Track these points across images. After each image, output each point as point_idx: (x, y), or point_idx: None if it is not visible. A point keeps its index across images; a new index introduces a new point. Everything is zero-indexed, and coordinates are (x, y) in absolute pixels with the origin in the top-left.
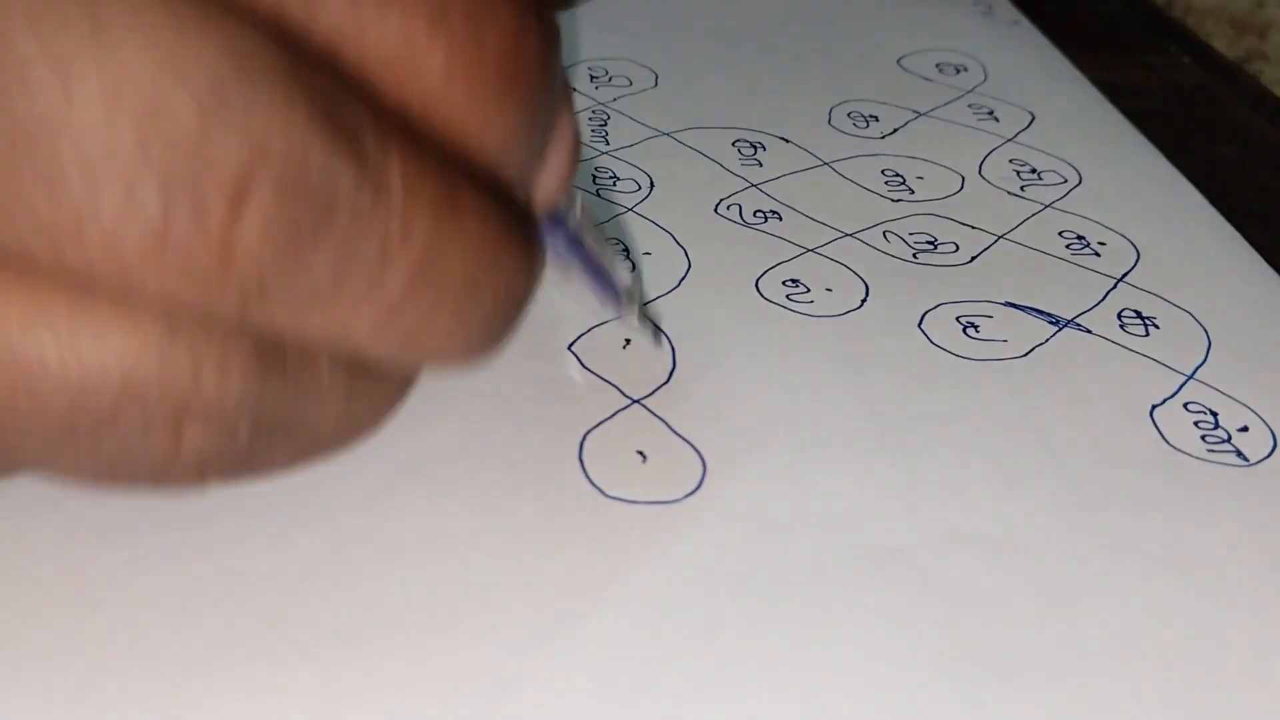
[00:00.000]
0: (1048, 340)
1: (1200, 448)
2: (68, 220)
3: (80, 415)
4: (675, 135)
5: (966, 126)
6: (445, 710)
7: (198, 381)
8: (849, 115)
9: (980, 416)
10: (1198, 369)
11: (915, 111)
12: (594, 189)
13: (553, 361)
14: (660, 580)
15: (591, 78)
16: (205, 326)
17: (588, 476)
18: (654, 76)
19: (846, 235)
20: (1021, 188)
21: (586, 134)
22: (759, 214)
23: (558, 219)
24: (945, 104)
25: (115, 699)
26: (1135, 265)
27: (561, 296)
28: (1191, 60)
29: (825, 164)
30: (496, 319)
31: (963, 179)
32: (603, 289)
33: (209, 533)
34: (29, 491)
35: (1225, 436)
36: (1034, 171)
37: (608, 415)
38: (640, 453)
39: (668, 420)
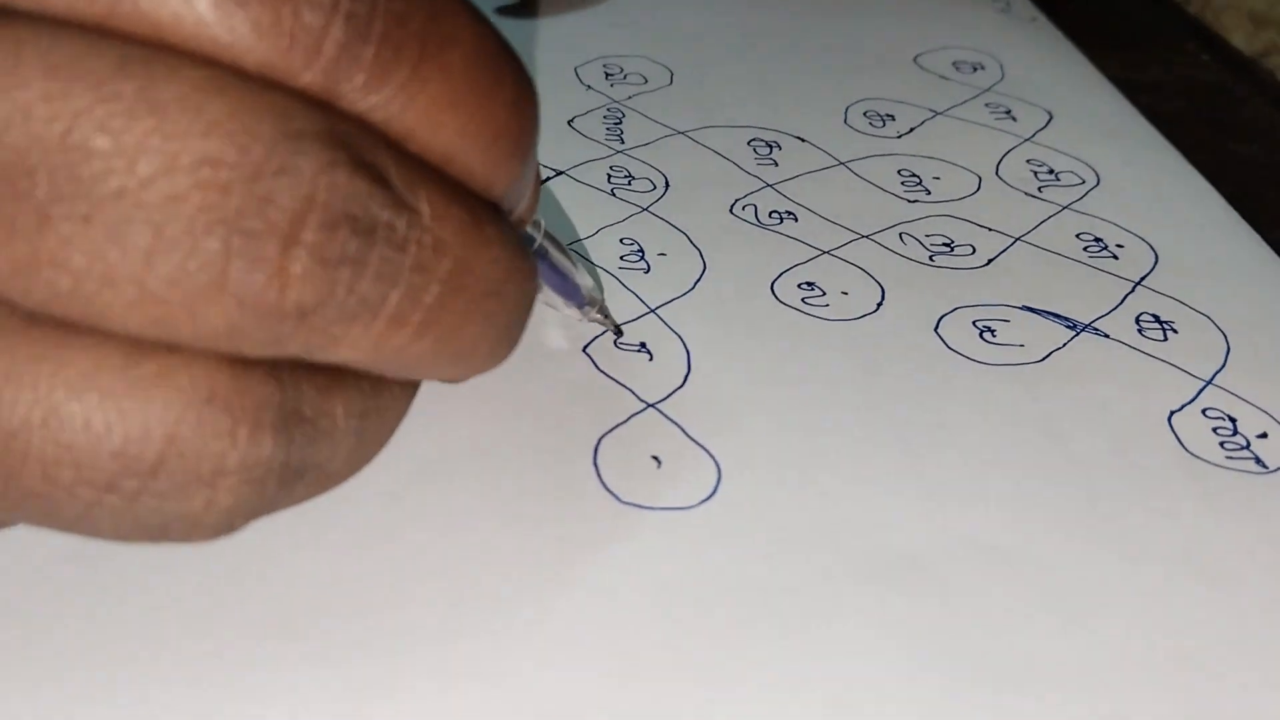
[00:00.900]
0: (1065, 345)
1: (1219, 454)
2: (135, 271)
3: (123, 474)
4: (690, 134)
5: (984, 126)
6: (460, 712)
7: (234, 440)
8: (865, 114)
9: (997, 422)
10: (1216, 374)
11: (932, 110)
12: (609, 188)
13: (567, 365)
14: (675, 587)
15: (606, 75)
16: (241, 389)
17: (602, 482)
18: (669, 74)
19: (862, 237)
20: (1039, 189)
21: (601, 132)
22: (774, 214)
23: (526, 235)
24: (962, 103)
25: (131, 701)
26: (1154, 268)
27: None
28: (1210, 58)
29: (841, 163)
30: (515, 322)
31: (980, 179)
32: (567, 292)
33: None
34: None
35: (1244, 443)
36: (1051, 172)
37: (623, 419)
38: (655, 458)
39: (683, 425)
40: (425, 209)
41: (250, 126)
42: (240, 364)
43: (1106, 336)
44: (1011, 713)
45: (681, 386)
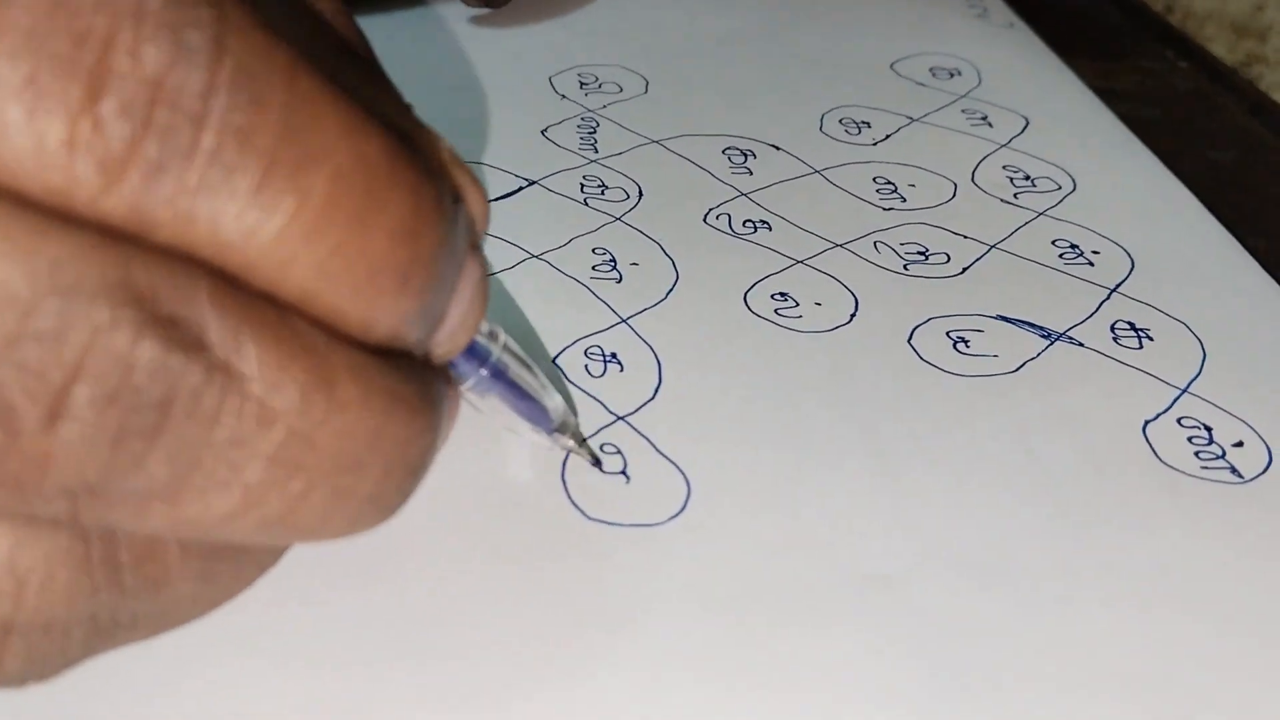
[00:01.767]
0: (1039, 354)
1: (1194, 464)
2: None
3: None
4: (665, 143)
5: (960, 132)
6: None
7: (19, 600)
8: (840, 122)
9: (970, 434)
10: (1192, 382)
11: (908, 117)
12: (582, 198)
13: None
14: (642, 605)
15: (581, 84)
16: (31, 537)
17: (570, 497)
18: (645, 83)
19: (836, 246)
20: (1015, 195)
21: (575, 142)
22: (748, 224)
23: (478, 354)
24: (938, 109)
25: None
26: (1130, 274)
27: (542, 315)
28: (1188, 64)
29: (816, 171)
30: (387, 489)
31: (955, 186)
32: (534, 416)
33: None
34: None
35: (1219, 453)
36: (1027, 178)
37: (592, 432)
38: (624, 473)
39: (652, 439)
40: (252, 371)
41: (7, 279)
42: (39, 522)
43: (1081, 345)
44: None
45: (652, 399)
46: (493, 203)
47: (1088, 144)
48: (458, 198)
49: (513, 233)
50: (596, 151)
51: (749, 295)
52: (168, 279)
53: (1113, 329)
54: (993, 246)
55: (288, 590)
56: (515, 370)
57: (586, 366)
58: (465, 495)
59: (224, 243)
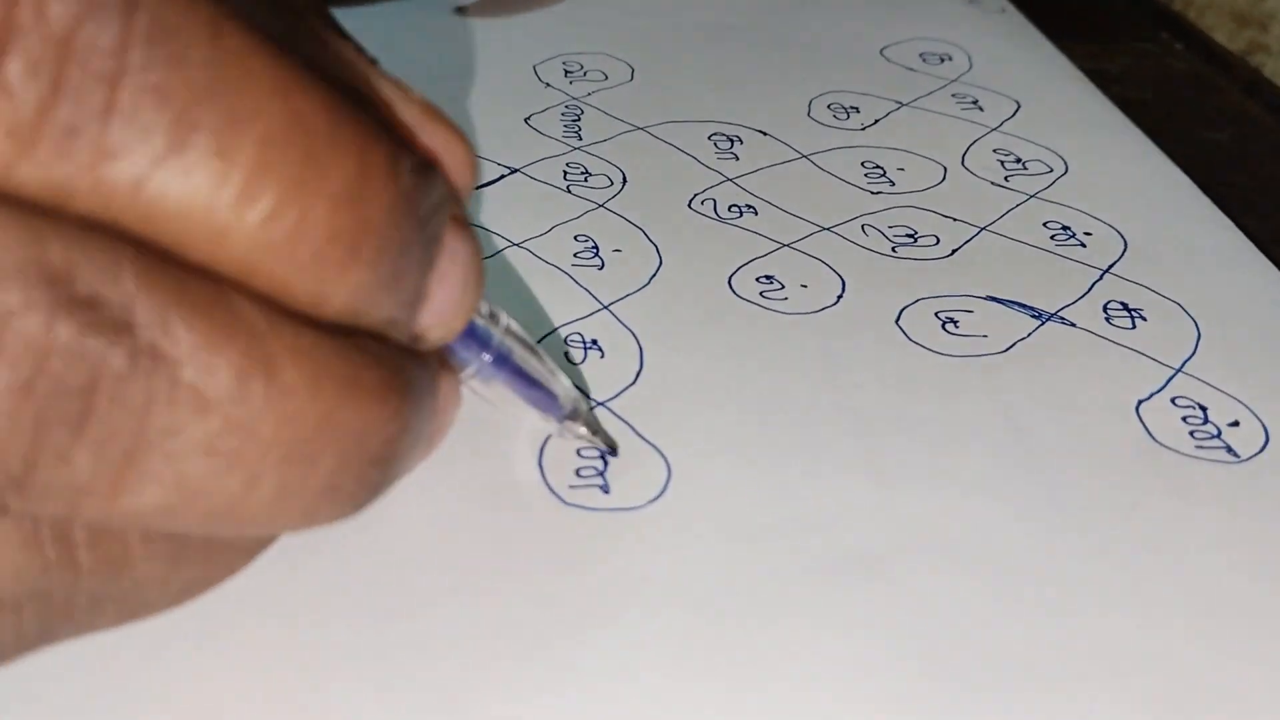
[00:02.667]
0: (1030, 335)
1: (1189, 444)
2: None
3: None
4: (650, 129)
5: (950, 116)
6: None
7: None
8: (829, 107)
9: (959, 415)
10: (1186, 362)
11: (898, 102)
12: (565, 185)
13: None
14: (622, 591)
15: (566, 72)
16: None
17: (546, 483)
18: (630, 70)
19: (823, 229)
20: (1005, 178)
21: (559, 129)
22: (734, 209)
23: (478, 339)
24: (928, 94)
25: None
26: (1122, 255)
27: (522, 303)
28: (1183, 46)
29: (804, 156)
30: (344, 482)
31: (945, 170)
32: (543, 404)
33: None
34: None
35: (1215, 432)
36: (1019, 161)
37: None
38: (603, 457)
39: (633, 423)
40: (182, 354)
41: None
42: None
43: (1073, 325)
44: (974, 708)
45: (633, 384)
46: (474, 191)
47: (1079, 126)
48: (425, 162)
49: (494, 221)
50: (580, 139)
51: (734, 279)
52: (86, 255)
53: (1105, 309)
54: (983, 229)
55: (253, 582)
56: (520, 355)
57: (567, 353)
58: (441, 481)
59: (149, 213)
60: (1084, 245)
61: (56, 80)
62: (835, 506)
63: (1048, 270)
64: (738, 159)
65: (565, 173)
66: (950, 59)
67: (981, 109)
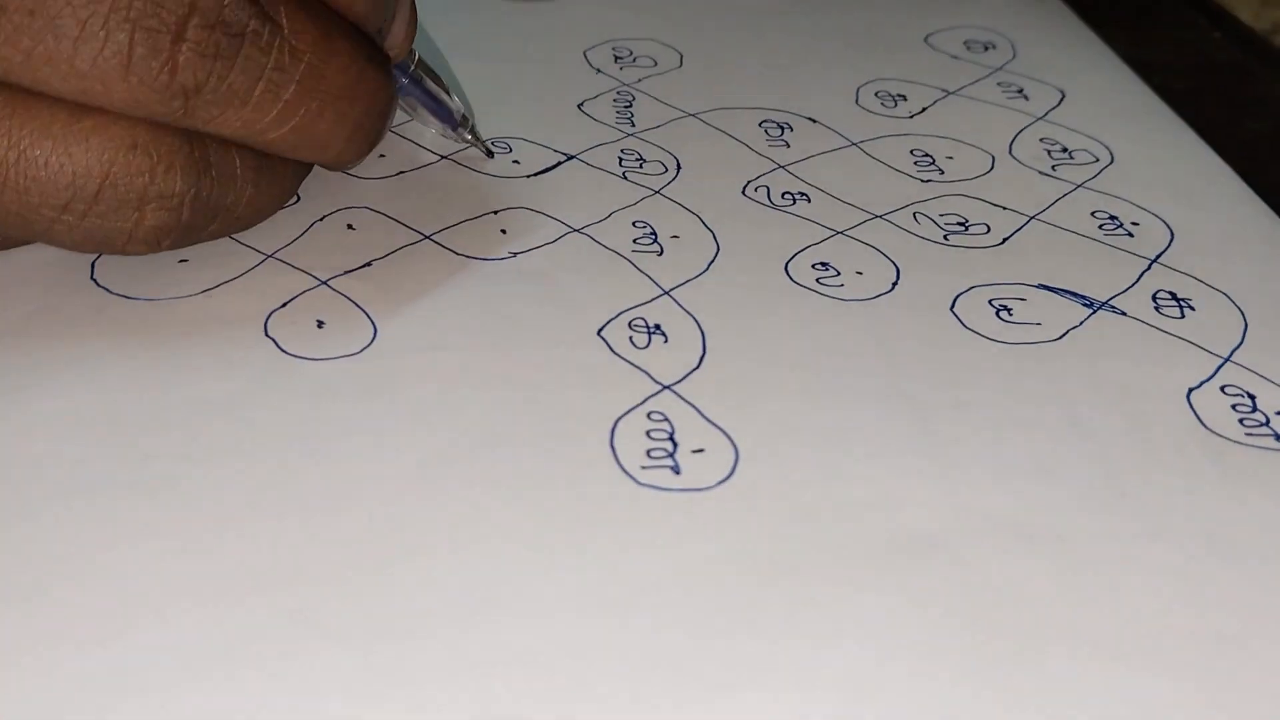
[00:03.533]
0: (1082, 323)
1: (1238, 431)
2: (66, 54)
3: (74, 199)
4: (701, 116)
5: (996, 105)
6: (477, 699)
7: (153, 177)
8: (876, 95)
9: (1014, 401)
10: (1234, 351)
11: (944, 90)
12: (621, 171)
13: (581, 347)
14: (693, 568)
15: (616, 58)
16: (158, 139)
17: (620, 464)
18: (679, 57)
19: (876, 217)
20: (1053, 167)
21: (612, 115)
22: (787, 195)
23: (403, 66)
24: (974, 82)
25: (144, 688)
26: (1169, 245)
27: (585, 289)
28: (1221, 34)
29: (853, 144)
30: (366, 123)
31: (993, 159)
32: (440, 115)
33: (242, 523)
34: (64, 488)
35: (1264, 419)
36: (1065, 150)
37: (639, 401)
38: (672, 439)
39: (699, 406)
40: (285, 22)
41: None
42: (159, 125)
43: (1123, 314)
44: (1030, 689)
45: (697, 368)
46: (532, 177)
47: (1124, 116)
48: None
49: (555, 207)
50: (633, 125)
51: (790, 265)
52: None
53: (1154, 298)
54: (1032, 218)
55: (327, 559)
56: (429, 83)
57: (631, 338)
58: (519, 463)
59: None
60: (1131, 235)
61: None
62: (897, 488)
63: (1097, 260)
64: (788, 146)
65: (620, 159)
66: (994, 47)
67: (1027, 98)
